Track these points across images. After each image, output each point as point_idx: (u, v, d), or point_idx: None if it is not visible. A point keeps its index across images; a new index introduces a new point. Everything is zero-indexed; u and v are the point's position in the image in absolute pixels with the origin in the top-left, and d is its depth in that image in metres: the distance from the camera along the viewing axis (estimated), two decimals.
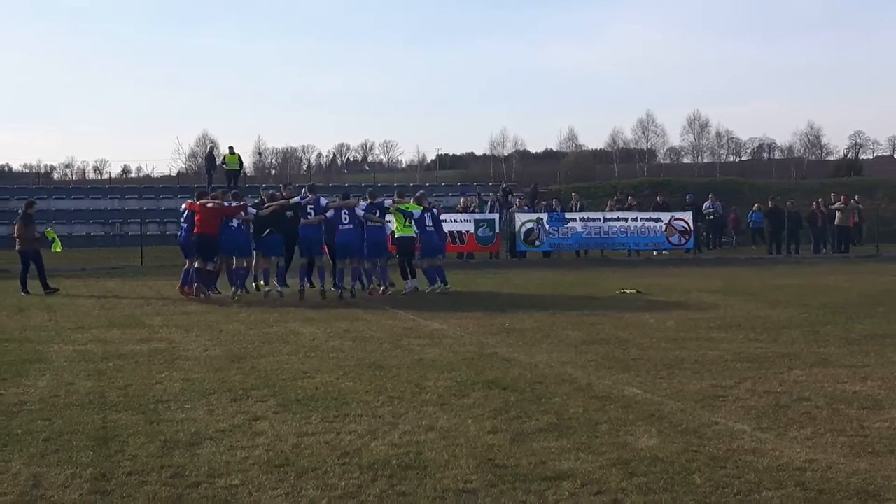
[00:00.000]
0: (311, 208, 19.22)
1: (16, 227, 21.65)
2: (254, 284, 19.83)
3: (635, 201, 36.30)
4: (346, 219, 19.20)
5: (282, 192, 20.32)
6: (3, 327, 14.52)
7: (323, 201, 19.60)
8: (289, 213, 19.06)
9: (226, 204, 19.11)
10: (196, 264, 18.78)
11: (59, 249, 22.00)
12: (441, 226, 21.44)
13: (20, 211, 21.99)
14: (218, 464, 6.62)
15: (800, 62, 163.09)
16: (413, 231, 20.01)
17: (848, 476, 6.20)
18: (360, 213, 19.30)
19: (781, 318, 14.86)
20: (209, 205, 18.71)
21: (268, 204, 19.49)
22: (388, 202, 20.04)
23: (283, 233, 19.16)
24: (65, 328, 14.36)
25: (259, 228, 19.18)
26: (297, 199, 19.49)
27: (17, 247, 21.44)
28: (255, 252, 19.62)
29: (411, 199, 20.64)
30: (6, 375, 10.19)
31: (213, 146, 44.76)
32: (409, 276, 20.09)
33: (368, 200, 19.86)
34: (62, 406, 8.65)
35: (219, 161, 41.81)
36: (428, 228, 20.14)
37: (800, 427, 7.60)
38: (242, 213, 19.10)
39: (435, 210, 21.11)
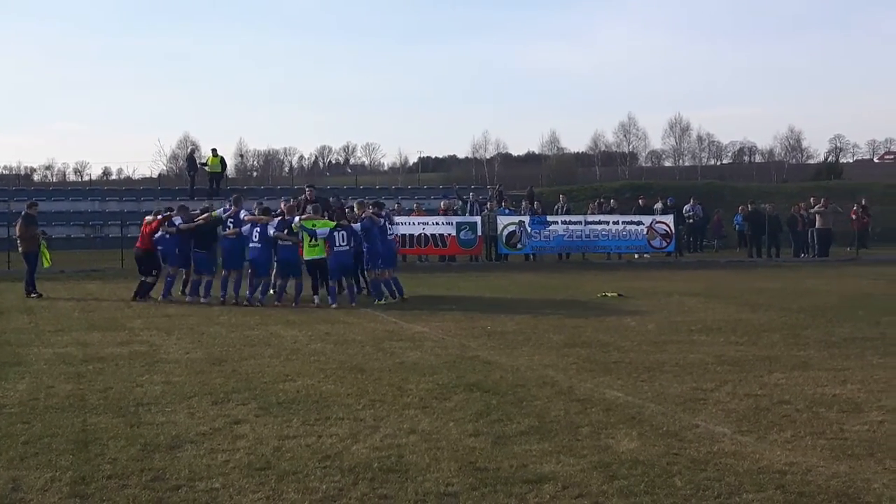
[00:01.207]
0: (230, 221, 18.94)
1: (17, 228, 21.32)
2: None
3: (617, 204, 36.33)
4: (256, 236, 18.47)
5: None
6: None
7: (242, 214, 18.96)
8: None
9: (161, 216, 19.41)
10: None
11: (47, 265, 21.69)
12: (385, 237, 19.30)
13: (23, 211, 21.58)
14: (198, 467, 6.60)
15: (780, 66, 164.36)
16: (320, 252, 18.36)
17: (828, 479, 6.23)
18: (270, 231, 18.36)
19: (762, 321, 14.92)
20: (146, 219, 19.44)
21: (197, 219, 19.34)
22: (296, 219, 18.51)
23: (207, 249, 19.12)
24: (44, 331, 14.28)
25: (196, 243, 19.11)
26: (218, 212, 19.40)
27: (21, 248, 21.10)
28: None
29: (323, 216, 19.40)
30: None
31: (195, 148, 44.70)
32: (320, 290, 18.43)
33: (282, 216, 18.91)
34: (42, 409, 8.60)
35: (200, 163, 41.63)
36: (338, 248, 18.24)
37: (780, 430, 7.63)
38: (165, 224, 19.07)
39: (355, 223, 18.89)
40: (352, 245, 18.50)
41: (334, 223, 18.73)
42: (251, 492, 6.05)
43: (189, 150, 40.45)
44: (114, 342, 12.97)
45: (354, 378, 10.07)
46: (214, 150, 40.35)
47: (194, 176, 41.29)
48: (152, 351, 12.18)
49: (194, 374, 10.36)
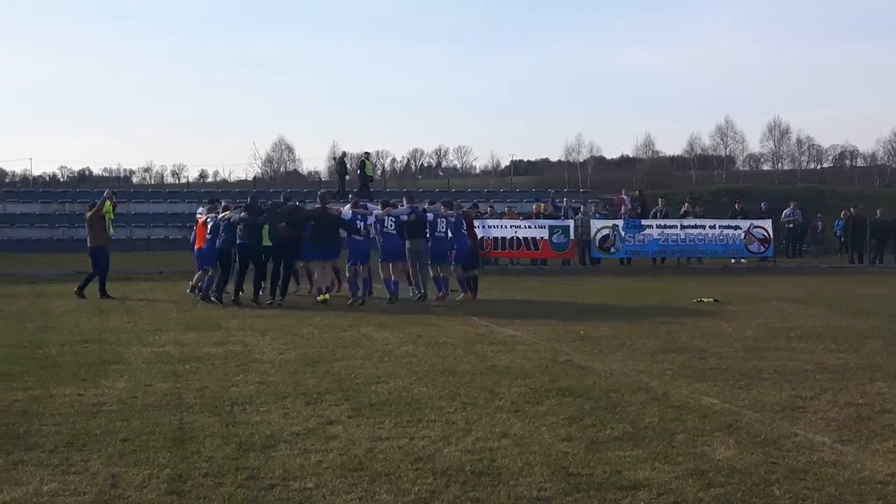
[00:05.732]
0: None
1: (87, 218, 20.62)
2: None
3: (693, 206, 35.75)
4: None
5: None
6: (82, 329, 14.78)
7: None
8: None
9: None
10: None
11: (110, 230, 20.84)
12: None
13: (104, 197, 20.66)
14: (292, 467, 6.66)
15: (883, 66, 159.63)
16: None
17: None
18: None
19: (864, 328, 14.55)
20: None
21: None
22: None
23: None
24: (143, 330, 14.58)
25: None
26: None
27: (89, 242, 20.43)
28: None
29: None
30: (86, 376, 10.38)
31: (345, 153, 46.21)
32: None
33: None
34: (140, 407, 8.78)
35: (354, 166, 43.27)
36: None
37: (882, 440, 7.43)
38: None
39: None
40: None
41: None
42: (344, 492, 6.08)
43: (340, 155, 42.31)
44: (210, 342, 13.18)
45: (446, 381, 10.07)
46: (367, 154, 41.61)
47: (345, 179, 42.59)
48: (247, 351, 12.35)
49: (288, 375, 10.47)
